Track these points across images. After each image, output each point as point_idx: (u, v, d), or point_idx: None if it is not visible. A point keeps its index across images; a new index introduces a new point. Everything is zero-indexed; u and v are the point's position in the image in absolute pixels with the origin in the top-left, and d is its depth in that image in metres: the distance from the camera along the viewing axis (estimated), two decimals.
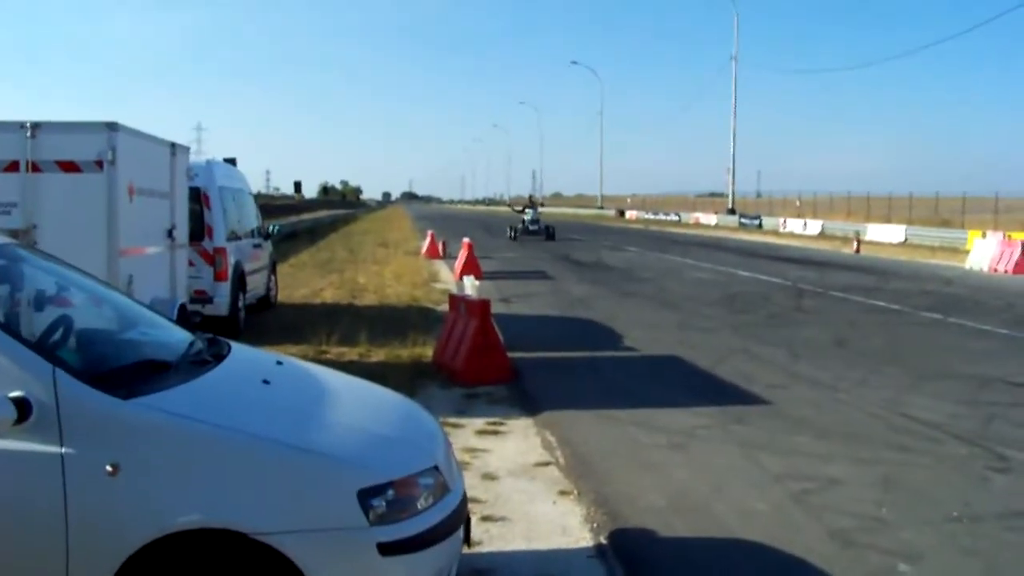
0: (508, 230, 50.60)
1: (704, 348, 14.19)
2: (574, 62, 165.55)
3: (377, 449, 4.34)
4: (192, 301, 13.54)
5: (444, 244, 34.93)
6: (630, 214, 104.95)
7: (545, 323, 17.29)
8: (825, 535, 6.33)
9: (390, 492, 4.06)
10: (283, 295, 20.06)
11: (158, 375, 4.35)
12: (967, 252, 38.48)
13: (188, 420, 3.92)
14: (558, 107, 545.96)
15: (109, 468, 3.72)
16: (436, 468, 4.43)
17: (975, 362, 13.45)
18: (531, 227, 49.42)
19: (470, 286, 12.85)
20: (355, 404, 4.98)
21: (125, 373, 4.25)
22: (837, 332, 16.20)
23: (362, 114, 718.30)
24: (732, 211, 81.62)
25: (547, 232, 49.11)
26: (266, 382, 4.71)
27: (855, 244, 43.71)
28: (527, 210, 51.63)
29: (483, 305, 11.57)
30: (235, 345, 5.26)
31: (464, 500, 4.66)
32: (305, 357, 12.48)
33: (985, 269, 32.00)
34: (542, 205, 64.00)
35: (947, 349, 14.73)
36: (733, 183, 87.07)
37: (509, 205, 79.85)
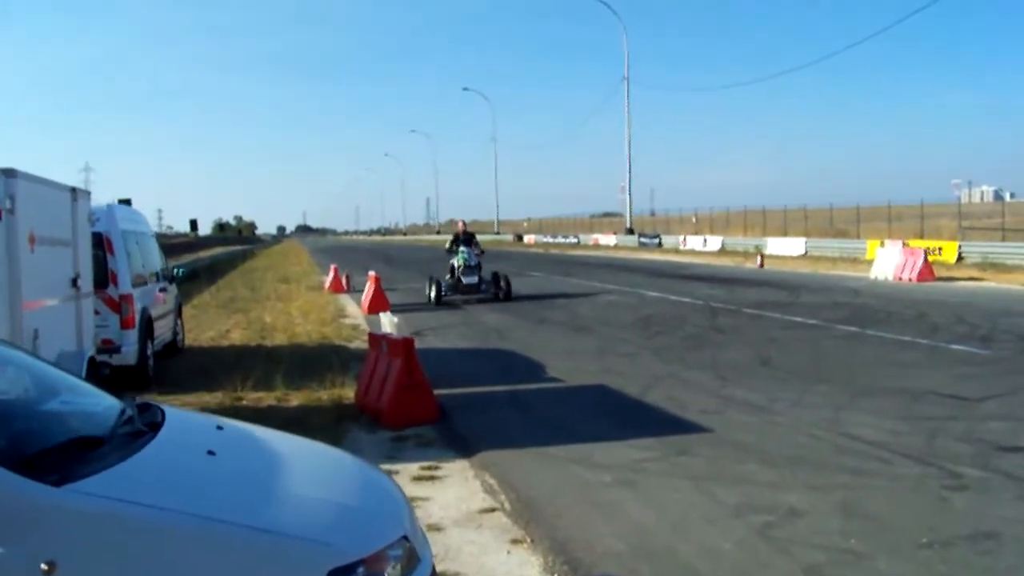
0: (428, 285, 28.31)
1: (629, 375, 13.91)
2: (465, 88, 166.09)
3: (344, 523, 3.89)
4: (99, 351, 12.90)
5: (348, 277, 34.35)
6: (528, 238, 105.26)
7: (463, 356, 16.88)
8: (800, 573, 6.04)
9: (360, 570, 3.66)
10: (190, 338, 19.42)
11: (91, 454, 3.84)
12: (867, 261, 39.14)
13: (132, 505, 3.44)
14: (451, 133, 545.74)
15: (44, 567, 3.23)
16: (405, 538, 4.03)
17: (903, 375, 13.38)
18: (465, 278, 28.07)
19: (389, 323, 12.44)
20: (310, 471, 4.53)
21: (54, 455, 3.73)
22: (759, 351, 16.05)
23: (252, 148, 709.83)
24: (631, 231, 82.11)
25: (497, 285, 28.61)
26: (211, 453, 4.24)
27: (758, 259, 44.05)
28: (459, 249, 28.90)
29: (407, 344, 11.14)
30: (168, 410, 4.79)
31: (434, 571, 4.26)
32: (221, 405, 12.04)
33: (890, 278, 32.40)
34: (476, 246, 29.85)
35: (873, 363, 14.64)
36: (630, 203, 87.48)
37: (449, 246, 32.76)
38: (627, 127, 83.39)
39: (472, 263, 28.41)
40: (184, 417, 5.00)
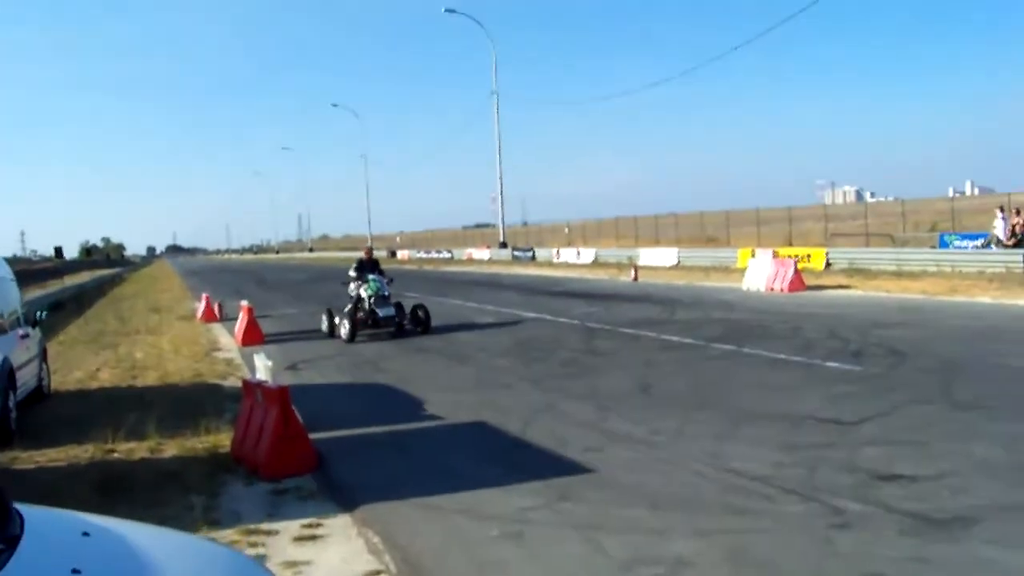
0: (324, 319, 25.96)
1: (509, 410, 13.77)
2: (335, 104, 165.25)
3: None
4: None
5: (220, 306, 33.65)
6: (402, 254, 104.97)
7: (340, 392, 16.60)
8: None
9: None
10: (56, 380, 18.68)
11: None
12: (739, 270, 39.79)
13: None
14: (322, 150, 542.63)
15: None
16: None
17: (781, 398, 13.49)
18: (381, 311, 24.85)
19: (263, 368, 12.14)
20: None
21: None
22: (638, 376, 16.07)
23: (120, 167, 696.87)
24: (504, 245, 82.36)
25: (415, 318, 25.66)
26: (76, 572, 3.96)
27: (632, 271, 44.36)
28: (368, 277, 25.43)
29: (282, 393, 10.86)
30: (26, 511, 4.48)
31: None
32: (92, 458, 11.66)
33: (762, 289, 32.92)
34: (377, 271, 26.69)
35: (750, 385, 14.75)
36: (503, 216, 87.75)
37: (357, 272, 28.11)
38: (497, 140, 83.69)
39: (385, 292, 25.38)
40: (46, 520, 4.68)
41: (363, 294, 25.23)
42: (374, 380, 17.63)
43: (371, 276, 25.49)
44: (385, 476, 10.49)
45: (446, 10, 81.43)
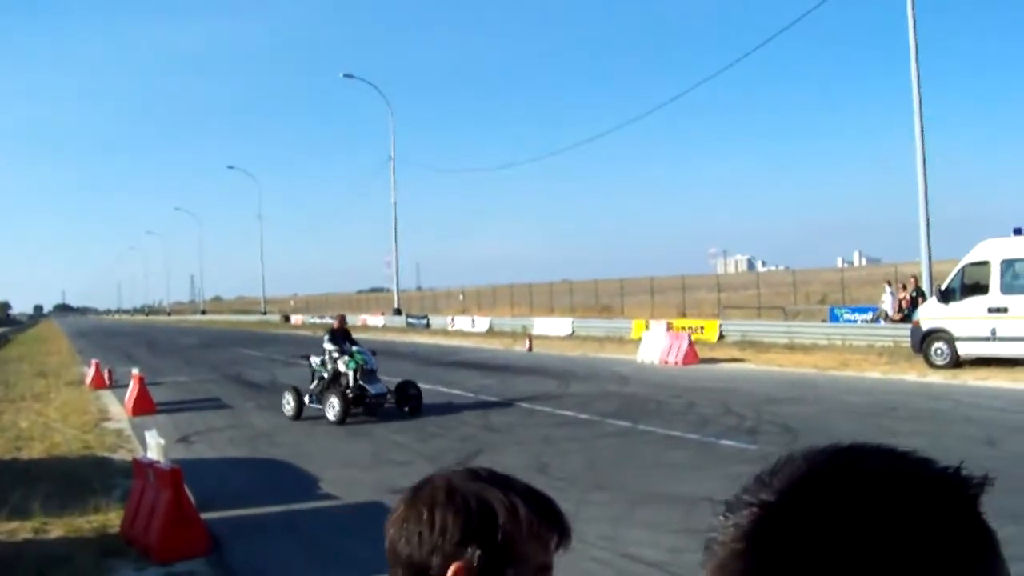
0: (290, 399, 22.37)
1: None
2: (231, 166, 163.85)
3: None
4: None
5: (111, 372, 32.93)
6: (296, 319, 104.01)
7: (234, 468, 16.27)
8: None
9: None
10: None
11: None
12: (633, 341, 40.17)
13: None
14: (216, 210, 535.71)
15: None
16: None
17: (677, 478, 13.59)
18: (372, 388, 21.83)
19: (155, 447, 11.92)
20: None
21: None
22: (535, 454, 16.05)
23: (3, 225, 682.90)
24: (399, 311, 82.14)
25: (407, 396, 22.40)
26: None
27: (527, 342, 44.48)
28: (348, 348, 22.58)
29: (174, 475, 10.65)
30: None
31: None
32: None
33: (656, 362, 33.21)
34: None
35: (646, 465, 14.84)
36: (397, 283, 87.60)
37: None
38: (393, 205, 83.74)
39: (373, 367, 22.27)
40: None
41: (343, 368, 22.05)
42: (268, 455, 17.37)
43: (355, 348, 22.64)
44: (281, 561, 10.35)
45: (344, 75, 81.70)
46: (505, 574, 1.60)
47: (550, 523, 1.72)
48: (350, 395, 21.45)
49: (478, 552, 1.62)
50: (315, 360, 22.99)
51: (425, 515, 1.65)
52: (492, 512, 1.66)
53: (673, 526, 10.87)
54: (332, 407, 21.07)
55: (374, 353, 22.98)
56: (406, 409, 22.02)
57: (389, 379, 23.00)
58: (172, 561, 10.15)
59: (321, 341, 23.54)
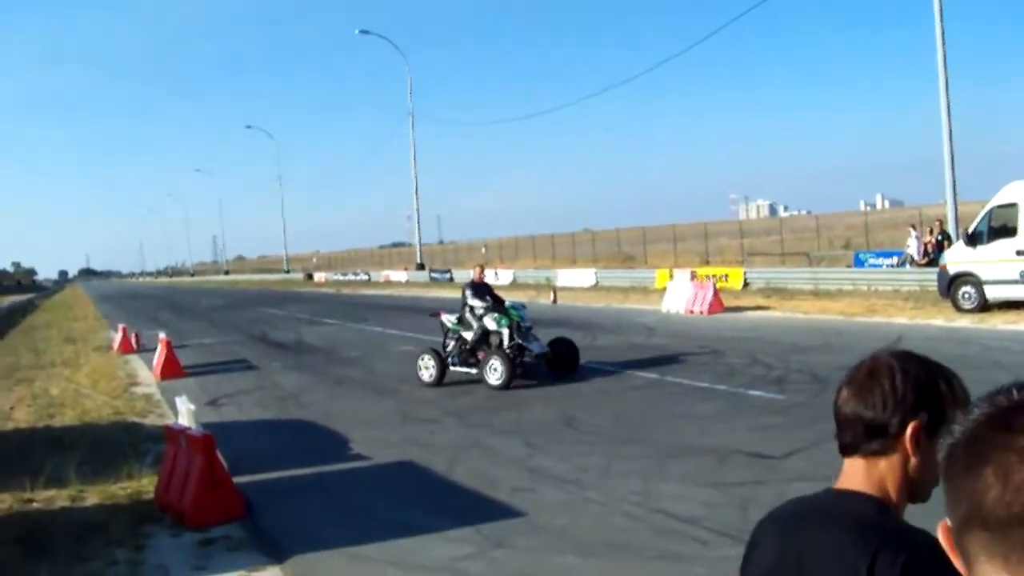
0: (429, 363, 20.03)
1: (434, 446, 13.73)
2: (249, 126, 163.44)
3: None
4: None
5: (137, 336, 33.01)
6: (319, 276, 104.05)
7: (262, 430, 16.33)
8: None
9: None
10: None
11: None
12: (657, 291, 40.08)
13: None
14: (236, 170, 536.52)
15: None
16: None
17: (707, 430, 13.61)
18: (536, 347, 19.67)
19: (186, 412, 11.97)
20: None
21: None
22: (563, 408, 16.08)
23: (28, 189, 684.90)
24: (421, 266, 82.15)
25: (560, 359, 20.03)
26: None
27: (552, 294, 44.41)
28: (492, 303, 20.15)
29: (206, 441, 10.69)
30: None
31: None
32: (10, 510, 11.37)
33: (682, 311, 33.13)
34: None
35: (676, 416, 14.85)
36: (419, 237, 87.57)
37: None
38: (412, 159, 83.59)
39: (528, 323, 19.98)
40: None
41: (493, 326, 19.68)
42: (296, 416, 17.46)
43: (509, 303, 20.41)
44: (313, 523, 10.37)
45: (360, 31, 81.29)
46: (939, 432, 1.79)
47: (967, 395, 2.26)
48: (509, 352, 19.07)
49: (926, 414, 2.24)
50: (449, 318, 20.57)
51: (888, 387, 2.27)
52: (936, 385, 2.29)
53: (705, 479, 10.88)
54: (494, 370, 18.73)
55: (523, 306, 20.73)
56: (564, 372, 19.77)
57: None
58: (207, 526, 10.20)
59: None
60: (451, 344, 20.32)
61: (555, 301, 42.56)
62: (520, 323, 19.59)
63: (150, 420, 17.44)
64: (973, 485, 1.23)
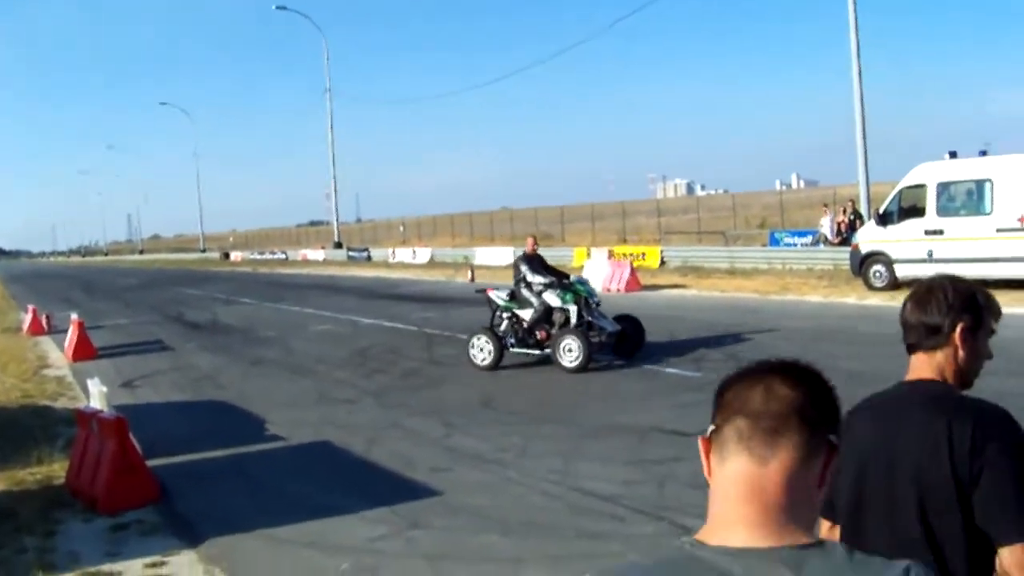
0: (483, 343, 18.08)
1: (352, 427, 13.64)
2: (163, 103, 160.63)
3: None
4: None
5: (48, 317, 32.35)
6: (236, 255, 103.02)
7: (178, 412, 16.09)
8: None
9: None
10: None
11: None
12: (574, 269, 40.17)
13: None
14: (152, 148, 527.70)
15: None
16: None
17: (625, 408, 13.74)
18: (609, 326, 18.06)
19: (98, 395, 11.79)
20: None
21: None
22: (481, 388, 16.05)
23: None
24: (339, 244, 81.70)
25: (625, 337, 18.24)
26: None
27: (469, 272, 44.37)
28: (556, 280, 18.27)
29: (118, 424, 10.48)
30: None
31: None
32: None
33: (599, 290, 33.23)
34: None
35: (593, 395, 14.94)
36: (337, 216, 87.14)
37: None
38: (330, 137, 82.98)
39: (597, 299, 18.64)
40: None
41: (557, 303, 17.91)
42: (212, 397, 17.27)
43: (573, 278, 18.81)
44: (229, 505, 10.26)
45: (277, 7, 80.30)
46: (979, 333, 3.09)
47: (999, 307, 3.18)
48: (580, 331, 17.34)
49: (969, 317, 3.07)
50: (499, 295, 18.74)
51: (941, 298, 3.09)
52: (975, 295, 3.13)
53: (624, 458, 10.95)
54: (569, 351, 17.00)
55: (587, 281, 19.43)
56: (631, 351, 18.21)
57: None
58: (120, 511, 10.03)
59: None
60: (503, 323, 18.46)
61: (473, 279, 42.52)
62: (588, 299, 18.00)
63: (61, 403, 17.11)
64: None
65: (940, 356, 3.09)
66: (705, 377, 15.59)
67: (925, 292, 3.18)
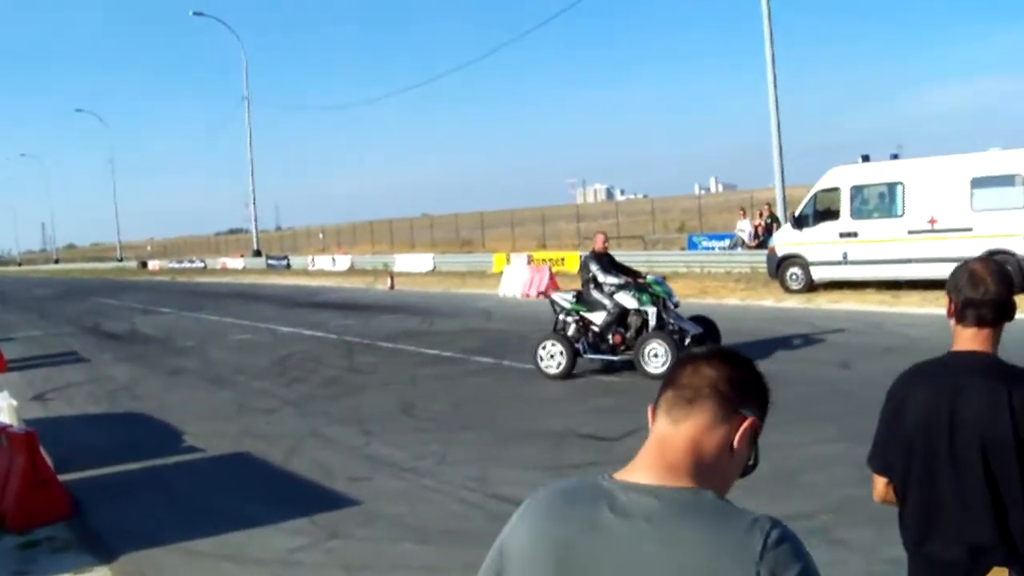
0: (553, 350, 16.58)
1: (272, 437, 13.50)
2: (79, 110, 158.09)
3: None
4: None
5: None
6: (154, 264, 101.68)
7: (93, 425, 15.79)
8: None
9: None
10: None
11: None
12: (494, 275, 40.25)
13: None
14: (66, 155, 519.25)
15: None
16: None
17: (543, 413, 13.80)
18: (691, 329, 16.58)
19: (7, 409, 11.57)
20: None
21: None
22: (400, 395, 16.02)
23: None
24: (258, 253, 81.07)
25: (708, 330, 16.85)
26: None
27: (389, 279, 44.21)
28: (616, 276, 16.86)
29: (28, 438, 10.27)
30: None
31: None
32: None
33: (519, 295, 33.41)
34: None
35: (512, 401, 14.97)
36: (256, 224, 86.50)
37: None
38: (249, 144, 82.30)
39: (676, 300, 17.24)
40: None
41: (633, 304, 16.54)
42: (129, 408, 16.99)
43: (652, 279, 17.24)
44: (146, 520, 10.09)
45: (194, 13, 79.44)
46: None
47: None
48: (667, 337, 15.81)
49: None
50: (564, 296, 17.50)
51: (1009, 279, 3.53)
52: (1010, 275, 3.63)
53: (542, 463, 10.98)
54: (655, 356, 15.61)
55: (664, 280, 17.74)
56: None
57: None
58: (31, 528, 9.81)
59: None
60: (571, 327, 17.00)
61: (392, 286, 42.43)
62: (668, 300, 16.65)
63: None
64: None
65: (995, 332, 3.44)
66: (623, 380, 15.76)
67: (997, 272, 3.48)
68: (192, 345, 25.81)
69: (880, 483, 3.66)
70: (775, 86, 35.00)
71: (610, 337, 16.58)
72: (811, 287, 26.29)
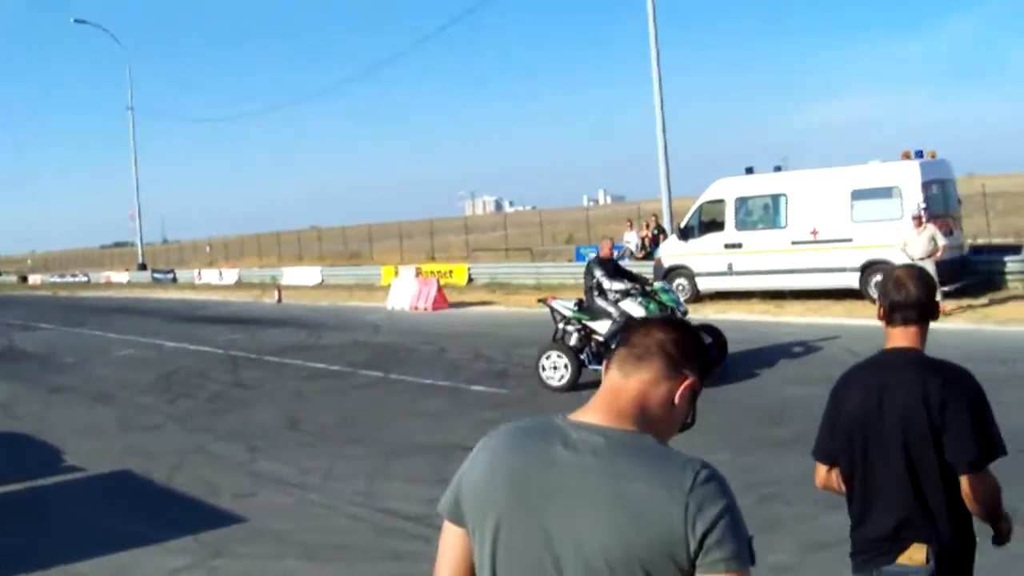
0: (558, 360, 15.70)
1: (155, 454, 13.33)
2: None
3: None
4: None
5: None
6: (34, 279, 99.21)
7: None
8: None
9: None
10: None
11: None
12: (383, 288, 40.10)
13: None
14: None
15: None
16: None
17: (430, 427, 13.82)
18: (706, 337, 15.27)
19: None
20: None
21: None
22: (287, 410, 15.96)
23: None
24: (144, 266, 79.69)
25: (715, 341, 16.01)
26: None
27: (276, 293, 43.79)
28: (621, 283, 15.95)
29: None
30: None
31: None
32: None
33: (407, 308, 33.33)
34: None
35: (399, 415, 14.98)
36: (141, 237, 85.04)
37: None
38: (133, 156, 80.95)
39: (684, 309, 16.70)
40: None
41: (640, 312, 15.23)
42: (6, 428, 16.60)
43: (659, 285, 17.26)
44: (24, 541, 9.92)
45: (76, 20, 77.95)
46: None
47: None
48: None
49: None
50: (565, 304, 16.64)
51: (928, 282, 3.98)
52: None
53: (429, 477, 10.96)
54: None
55: (672, 288, 17.17)
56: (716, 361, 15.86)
57: None
58: None
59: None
60: (573, 337, 16.22)
61: (280, 300, 42.01)
62: (676, 309, 15.92)
63: None
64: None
65: (920, 330, 3.92)
66: (511, 393, 15.87)
67: (918, 277, 3.98)
68: (73, 361, 25.32)
69: (822, 471, 4.18)
70: (661, 100, 35.45)
71: (615, 347, 15.67)
72: (697, 298, 26.61)
